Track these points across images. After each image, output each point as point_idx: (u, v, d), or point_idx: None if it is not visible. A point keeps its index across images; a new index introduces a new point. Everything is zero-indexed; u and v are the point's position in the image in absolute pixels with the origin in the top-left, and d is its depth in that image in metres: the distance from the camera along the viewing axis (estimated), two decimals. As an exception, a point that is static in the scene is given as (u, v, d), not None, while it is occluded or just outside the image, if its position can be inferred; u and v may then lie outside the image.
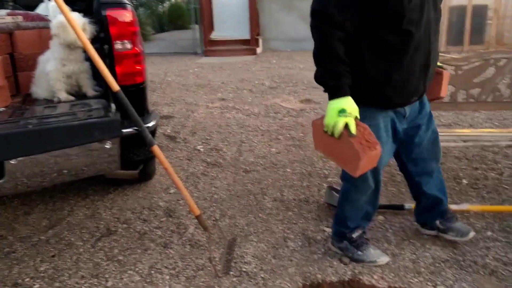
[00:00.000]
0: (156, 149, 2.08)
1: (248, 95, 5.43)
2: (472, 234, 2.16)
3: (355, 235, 2.14)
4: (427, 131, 2.03)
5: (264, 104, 4.98)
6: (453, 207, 2.43)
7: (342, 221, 2.15)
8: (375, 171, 1.96)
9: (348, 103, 1.71)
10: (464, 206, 2.43)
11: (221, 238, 2.35)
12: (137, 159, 2.39)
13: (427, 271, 2.04)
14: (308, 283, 2.02)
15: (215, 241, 2.32)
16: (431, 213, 2.23)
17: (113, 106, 2.11)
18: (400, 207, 2.53)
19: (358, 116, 1.73)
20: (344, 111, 1.69)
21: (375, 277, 2.04)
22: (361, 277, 2.04)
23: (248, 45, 9.31)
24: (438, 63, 1.72)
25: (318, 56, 1.75)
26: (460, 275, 2.00)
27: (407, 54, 1.72)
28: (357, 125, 1.71)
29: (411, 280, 2.00)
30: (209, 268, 2.13)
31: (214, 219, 2.59)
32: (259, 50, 9.30)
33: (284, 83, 6.05)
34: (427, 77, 1.84)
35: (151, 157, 2.51)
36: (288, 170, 3.23)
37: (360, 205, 2.10)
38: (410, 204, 2.52)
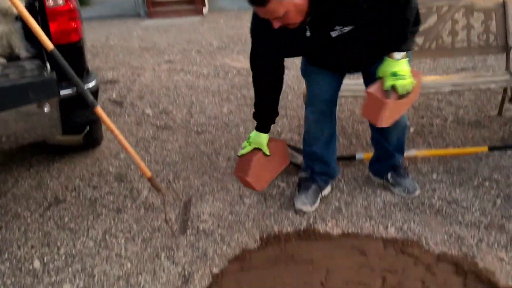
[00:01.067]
0: (99, 110, 1.98)
1: (196, 56, 5.29)
2: (417, 192, 2.24)
3: (301, 174, 2.26)
4: None
5: (213, 65, 4.87)
6: (401, 154, 2.51)
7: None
8: None
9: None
10: (412, 153, 2.51)
11: (176, 200, 2.32)
12: (80, 122, 2.28)
13: (378, 215, 2.12)
14: (265, 236, 2.04)
15: (170, 203, 2.29)
16: (383, 165, 2.30)
17: (48, 66, 1.98)
18: (352, 158, 2.58)
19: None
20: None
21: (329, 224, 2.09)
22: (315, 226, 2.08)
23: (194, 5, 8.99)
24: (388, 84, 1.76)
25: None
26: (408, 216, 2.09)
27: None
28: None
29: (363, 225, 2.07)
30: (165, 229, 2.10)
31: (167, 181, 2.55)
32: (205, 10, 9.02)
33: (233, 43, 5.93)
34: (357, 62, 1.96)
35: (95, 120, 2.39)
36: (241, 129, 3.21)
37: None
38: (361, 154, 2.58)
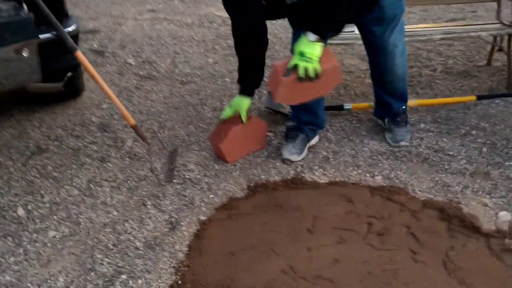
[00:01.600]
0: (79, 54, 1.90)
1: (180, 5, 5.10)
2: (403, 143, 2.21)
3: (288, 124, 2.27)
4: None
5: (197, 14, 4.70)
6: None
7: None
8: None
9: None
10: (400, 102, 2.49)
11: (161, 149, 2.28)
12: (60, 69, 2.19)
13: (366, 164, 2.12)
14: (252, 184, 2.03)
15: (155, 152, 2.25)
16: (381, 110, 2.33)
17: (25, 7, 1.87)
18: (340, 108, 2.56)
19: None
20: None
21: (317, 173, 2.09)
22: (303, 175, 2.08)
23: (177, -46, 8.60)
24: (292, 62, 1.77)
25: None
26: (395, 164, 2.09)
27: None
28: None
29: (350, 173, 2.07)
30: (151, 178, 2.08)
31: (152, 131, 2.49)
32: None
33: (218, -8, 5.72)
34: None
35: (76, 66, 2.30)
36: (227, 79, 3.13)
37: None
38: (349, 104, 2.56)
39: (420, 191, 1.92)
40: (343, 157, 2.18)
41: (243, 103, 2.10)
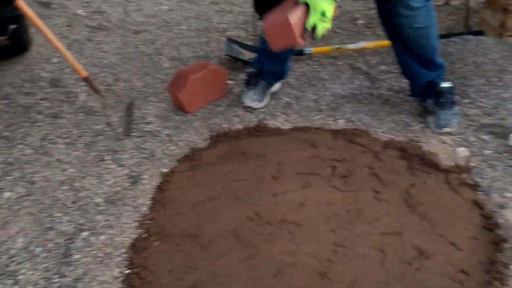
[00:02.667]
0: (20, 3, 1.75)
1: (130, -49, 4.79)
2: (446, 129, 1.90)
3: (249, 70, 2.19)
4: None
5: (149, -40, 4.43)
6: (350, 46, 2.46)
7: None
8: None
9: None
10: (361, 44, 2.46)
11: (117, 102, 2.19)
12: (2, 21, 2.02)
13: (328, 108, 2.11)
14: (214, 134, 1.99)
15: (111, 106, 2.15)
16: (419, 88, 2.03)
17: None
18: (300, 53, 2.50)
19: None
20: None
21: (280, 120, 2.06)
22: (266, 122, 2.05)
23: None
24: (312, 20, 1.51)
25: None
26: (357, 107, 2.09)
27: None
28: None
29: (313, 118, 2.05)
30: (108, 133, 2.00)
31: (107, 84, 2.38)
32: None
33: None
34: None
35: (17, 16, 2.13)
36: (183, 27, 3.00)
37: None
38: (310, 49, 2.51)
39: (382, 132, 1.93)
40: (306, 102, 2.15)
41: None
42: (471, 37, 2.36)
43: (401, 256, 1.40)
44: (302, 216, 1.57)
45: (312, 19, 1.52)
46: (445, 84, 1.92)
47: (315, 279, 1.34)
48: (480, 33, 2.45)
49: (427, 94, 1.97)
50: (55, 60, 2.62)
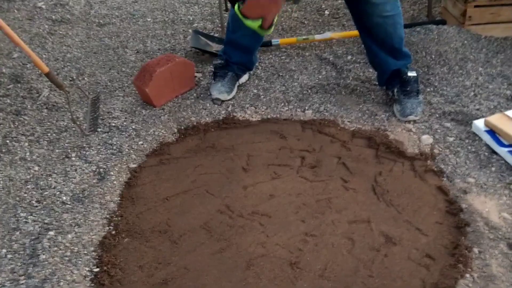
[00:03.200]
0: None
1: None
2: (411, 117, 1.92)
3: (216, 62, 2.16)
4: None
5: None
6: (317, 37, 2.47)
7: None
8: None
9: None
10: (327, 35, 2.47)
11: (82, 97, 2.14)
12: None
13: (296, 99, 2.12)
14: (183, 127, 1.97)
15: (76, 101, 2.10)
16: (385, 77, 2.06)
17: None
18: (268, 44, 2.50)
19: None
20: None
21: (248, 112, 2.06)
22: (235, 114, 2.04)
23: None
24: None
25: None
26: (325, 98, 2.11)
27: None
28: None
29: (282, 110, 2.06)
30: (73, 129, 1.95)
31: (71, 78, 2.32)
32: None
33: None
34: None
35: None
36: (148, 19, 2.95)
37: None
38: (277, 40, 2.51)
39: (349, 122, 1.96)
40: (274, 94, 2.16)
41: None
42: (433, 26, 2.41)
43: (370, 243, 1.43)
44: (272, 207, 1.57)
45: None
46: (410, 73, 1.96)
47: (286, 270, 1.35)
48: (442, 22, 2.51)
49: (394, 83, 2.00)
50: (16, 55, 2.53)
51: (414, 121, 1.91)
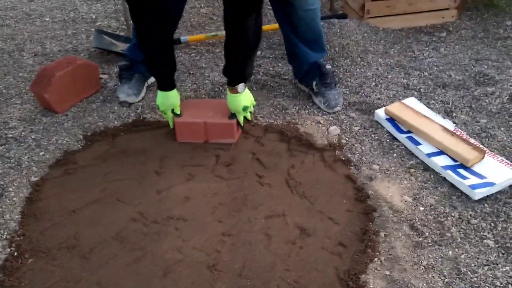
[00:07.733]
0: None
1: None
2: (337, 109, 1.99)
3: (121, 63, 2.10)
4: None
5: None
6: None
7: None
8: None
9: None
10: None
11: (-28, 108, 1.95)
12: None
13: (208, 96, 2.11)
14: (89, 134, 1.87)
15: (-36, 112, 1.91)
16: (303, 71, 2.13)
17: None
18: (177, 41, 2.45)
19: None
20: None
21: (159, 113, 2.00)
22: (145, 116, 1.98)
23: None
24: (241, 118, 1.84)
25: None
26: (236, 94, 2.10)
27: None
28: None
29: (193, 108, 2.02)
30: (-37, 143, 1.77)
31: (-42, 87, 2.10)
32: None
33: None
34: None
35: None
36: (46, 19, 2.76)
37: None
38: (186, 37, 2.46)
39: (261, 117, 1.98)
40: (185, 92, 2.12)
41: (173, 99, 1.78)
42: (335, 20, 2.50)
43: (286, 236, 1.45)
44: (188, 210, 1.55)
45: (240, 117, 1.82)
46: (328, 66, 2.06)
47: (204, 273, 1.34)
48: (343, 16, 2.62)
49: (312, 76, 2.05)
50: None
51: (323, 113, 1.97)
